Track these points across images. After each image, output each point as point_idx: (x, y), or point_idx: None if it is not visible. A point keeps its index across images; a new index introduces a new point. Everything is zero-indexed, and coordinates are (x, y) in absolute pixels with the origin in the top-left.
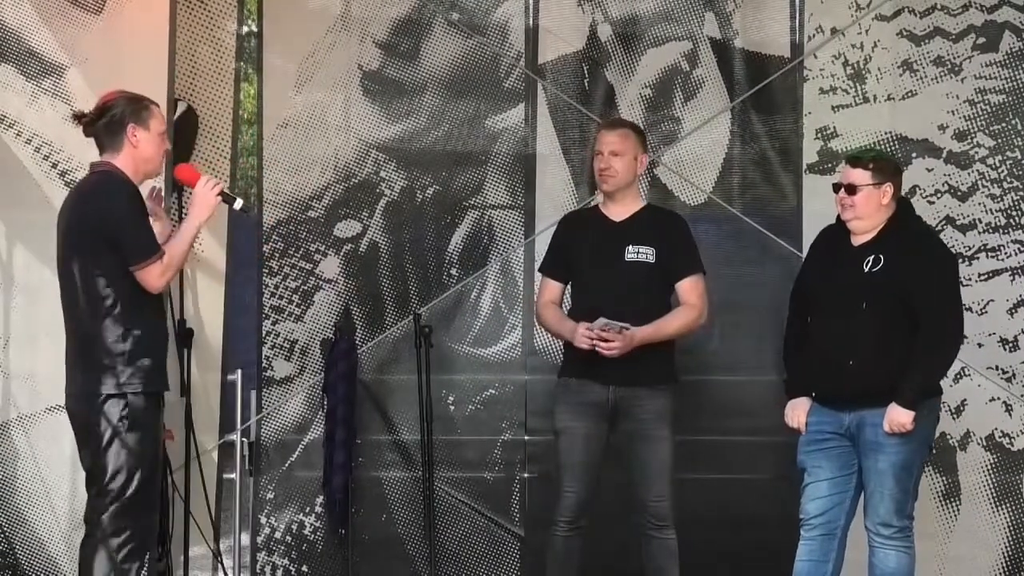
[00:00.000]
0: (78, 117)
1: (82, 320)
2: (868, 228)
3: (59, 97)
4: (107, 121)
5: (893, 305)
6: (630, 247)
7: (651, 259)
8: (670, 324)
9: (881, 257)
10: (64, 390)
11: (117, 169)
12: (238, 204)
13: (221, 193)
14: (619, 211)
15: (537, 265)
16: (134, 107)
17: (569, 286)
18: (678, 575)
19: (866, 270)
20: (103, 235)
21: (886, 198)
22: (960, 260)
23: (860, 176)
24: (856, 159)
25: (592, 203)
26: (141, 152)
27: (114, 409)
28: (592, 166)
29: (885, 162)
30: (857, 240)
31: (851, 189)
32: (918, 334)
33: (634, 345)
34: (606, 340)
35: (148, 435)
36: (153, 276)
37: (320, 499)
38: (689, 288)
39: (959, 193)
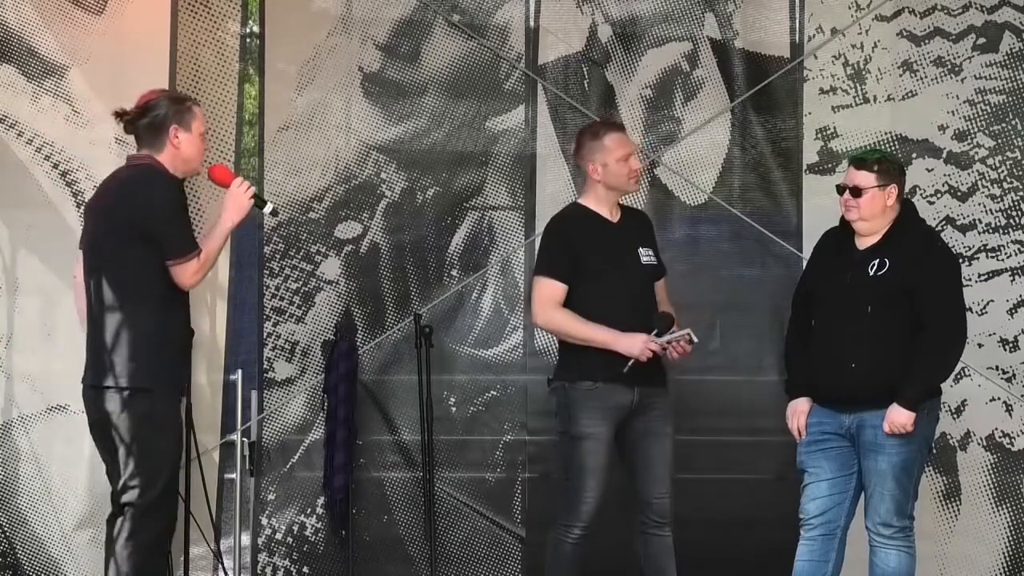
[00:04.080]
0: (119, 115)
1: (114, 312)
2: (873, 230)
3: (61, 98)
4: (149, 121)
5: (897, 308)
6: (640, 249)
7: (655, 261)
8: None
9: (886, 260)
10: (81, 380)
11: (160, 164)
12: (268, 208)
13: (254, 196)
14: (613, 212)
15: None
16: (177, 108)
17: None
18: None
19: (871, 273)
20: (142, 227)
21: (891, 199)
22: (960, 260)
23: (865, 178)
24: (861, 161)
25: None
26: (182, 153)
27: (140, 404)
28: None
29: (890, 163)
30: (862, 243)
31: (856, 191)
32: (920, 336)
33: None
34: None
35: (173, 434)
36: (188, 273)
37: (321, 500)
38: (662, 287)
39: (959, 193)
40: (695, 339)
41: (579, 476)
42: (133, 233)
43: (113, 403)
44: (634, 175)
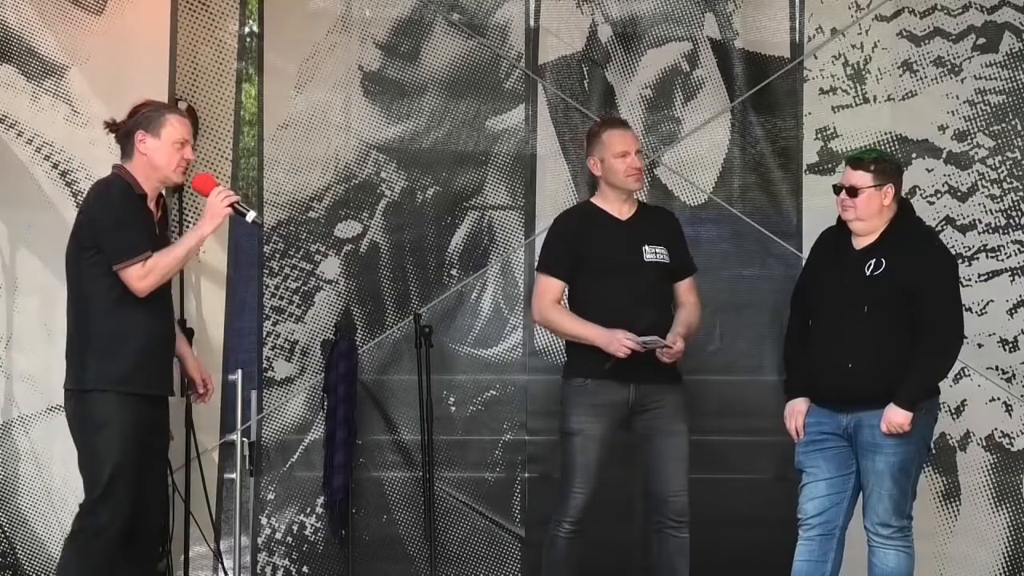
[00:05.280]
0: (108, 125)
1: (71, 316)
2: (870, 230)
3: (60, 98)
4: (124, 129)
5: (894, 308)
6: (646, 247)
7: (666, 259)
8: (693, 323)
9: (883, 260)
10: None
11: (123, 173)
12: (251, 216)
13: (233, 205)
14: (623, 209)
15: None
16: (147, 114)
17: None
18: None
19: (868, 273)
20: (90, 234)
21: (887, 199)
22: (960, 260)
23: (861, 178)
24: (857, 160)
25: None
26: (151, 160)
27: (82, 406)
28: (605, 166)
29: (886, 163)
30: (859, 243)
31: (852, 191)
32: (918, 336)
33: None
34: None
35: (116, 434)
36: (133, 278)
37: (321, 500)
38: (689, 288)
39: (959, 193)
40: (669, 345)
41: (568, 472)
42: (84, 240)
43: (67, 405)
44: (632, 172)
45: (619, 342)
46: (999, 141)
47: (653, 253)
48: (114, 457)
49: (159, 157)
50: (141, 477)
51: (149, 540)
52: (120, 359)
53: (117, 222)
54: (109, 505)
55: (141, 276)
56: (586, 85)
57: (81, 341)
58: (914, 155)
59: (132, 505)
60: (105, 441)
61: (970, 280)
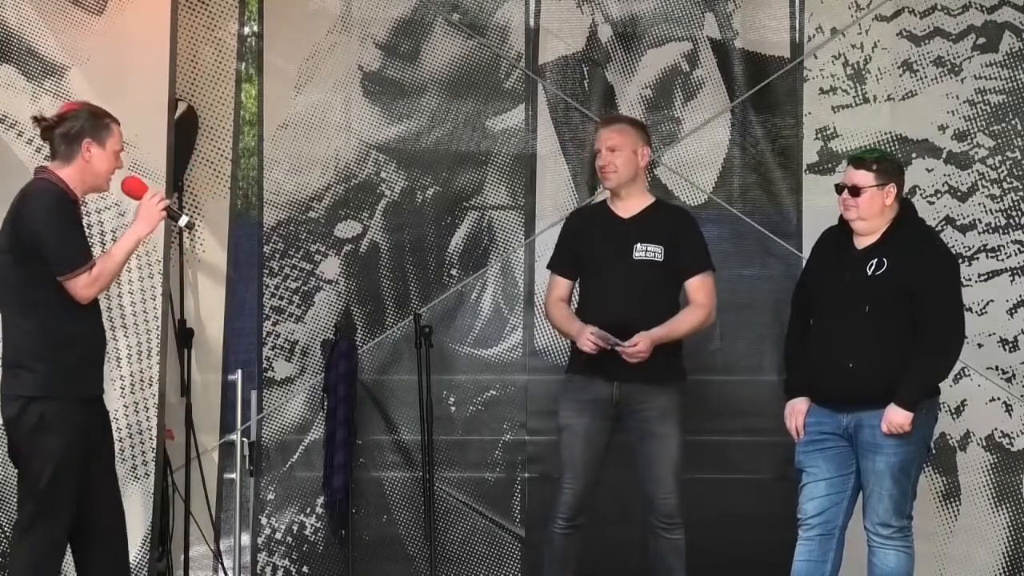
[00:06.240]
0: (37, 120)
1: (8, 324)
2: (871, 229)
3: (61, 98)
4: (65, 131)
5: (895, 308)
6: (638, 245)
7: (659, 257)
8: (682, 324)
9: (884, 260)
10: None
11: (55, 178)
12: (183, 221)
13: (166, 209)
14: (627, 207)
15: (538, 265)
16: (94, 122)
17: (578, 283)
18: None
19: (869, 273)
20: (27, 243)
21: (889, 199)
22: (960, 260)
23: (863, 177)
24: (859, 160)
25: (597, 199)
26: (92, 167)
27: (24, 413)
28: (593, 165)
29: (888, 163)
30: (860, 242)
31: (855, 191)
32: (918, 336)
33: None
34: (612, 348)
35: (56, 439)
36: (79, 287)
37: (321, 500)
38: (698, 286)
39: (959, 193)
40: (625, 347)
41: (560, 467)
42: (20, 250)
43: (9, 411)
44: (601, 171)
45: (585, 337)
46: (999, 141)
47: (644, 251)
48: (57, 460)
49: (101, 165)
50: (91, 476)
51: (112, 539)
52: (64, 364)
53: (60, 232)
54: (52, 505)
55: (88, 284)
56: (586, 85)
57: (21, 348)
58: (914, 155)
59: (79, 504)
60: (51, 446)
61: (970, 280)
